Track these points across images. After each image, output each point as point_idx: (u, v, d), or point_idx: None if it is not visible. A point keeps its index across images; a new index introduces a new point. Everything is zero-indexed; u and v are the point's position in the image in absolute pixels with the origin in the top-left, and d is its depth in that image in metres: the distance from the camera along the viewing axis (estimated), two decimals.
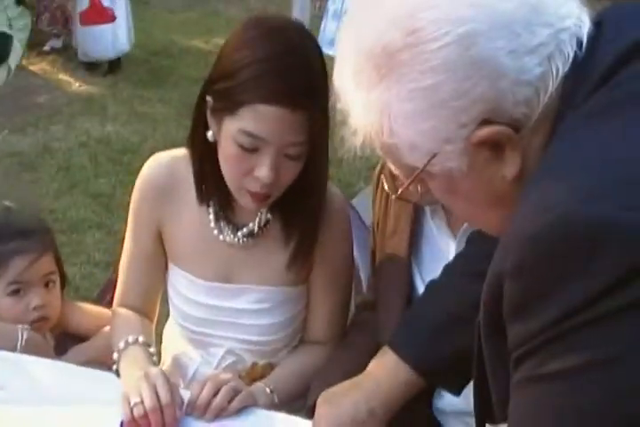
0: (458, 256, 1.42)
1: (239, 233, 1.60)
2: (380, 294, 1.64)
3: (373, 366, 1.37)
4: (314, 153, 1.45)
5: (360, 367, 1.54)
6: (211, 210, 1.60)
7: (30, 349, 1.64)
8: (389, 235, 1.61)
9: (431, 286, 1.42)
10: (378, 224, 1.66)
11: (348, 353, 1.63)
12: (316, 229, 1.58)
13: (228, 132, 1.41)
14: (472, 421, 1.48)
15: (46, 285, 1.71)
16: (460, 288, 1.33)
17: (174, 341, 1.74)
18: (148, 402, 1.36)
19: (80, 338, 1.78)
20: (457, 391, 1.36)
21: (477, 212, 0.97)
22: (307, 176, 1.48)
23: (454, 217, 1.54)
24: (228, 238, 1.60)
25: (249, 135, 1.38)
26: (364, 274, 1.92)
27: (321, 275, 1.65)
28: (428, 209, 1.57)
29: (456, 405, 1.56)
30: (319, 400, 1.36)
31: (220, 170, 1.49)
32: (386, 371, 1.34)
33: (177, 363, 1.73)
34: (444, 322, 1.34)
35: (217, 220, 1.60)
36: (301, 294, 1.67)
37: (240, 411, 1.43)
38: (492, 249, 1.24)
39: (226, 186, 1.50)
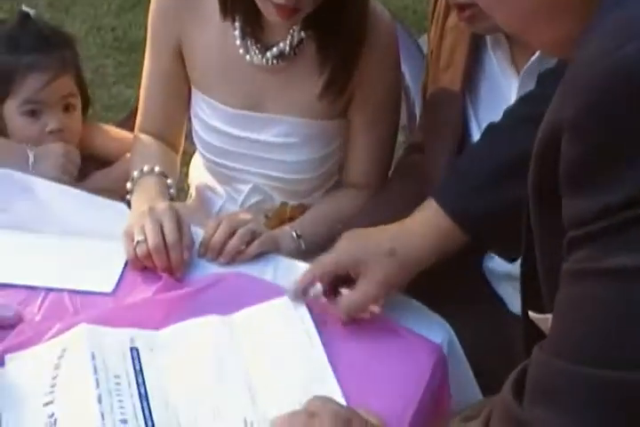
0: (522, 99, 1.15)
1: (268, 53, 1.36)
2: (429, 134, 1.40)
3: (412, 215, 1.15)
4: None
5: (397, 216, 1.34)
6: (236, 25, 1.35)
7: (45, 166, 1.47)
8: (443, 68, 1.35)
9: (488, 130, 1.17)
10: (432, 55, 1.40)
11: (386, 201, 1.42)
12: (357, 49, 1.33)
13: None
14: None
15: (65, 108, 1.53)
16: (520, 135, 1.07)
17: (200, 173, 1.55)
18: (152, 241, 1.17)
19: (104, 164, 1.60)
20: (507, 257, 1.14)
21: (525, 21, 0.72)
22: None
23: (519, 50, 1.27)
24: (255, 59, 1.36)
25: None
26: (420, 109, 1.66)
27: (362, 108, 1.41)
28: (489, 41, 1.29)
29: (507, 267, 1.36)
30: (343, 236, 1.17)
31: None
32: (422, 219, 1.13)
33: (202, 197, 1.55)
34: (495, 171, 1.10)
35: (243, 37, 1.35)
36: (337, 129, 1.43)
37: (259, 257, 1.23)
38: None
39: None
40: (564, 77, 0.65)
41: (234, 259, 1.22)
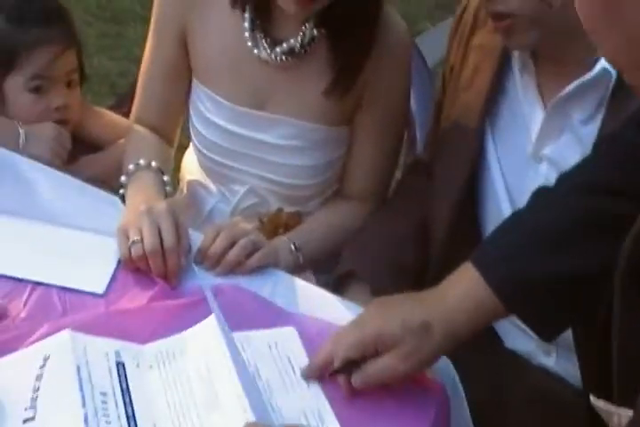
0: (579, 166, 1.05)
1: (277, 49, 1.28)
2: (441, 157, 1.32)
3: (448, 282, 1.03)
4: None
5: (401, 237, 1.30)
6: (246, 16, 1.27)
7: (36, 148, 1.39)
8: (464, 87, 1.27)
9: (539, 195, 1.05)
10: (452, 71, 1.32)
11: (389, 219, 1.34)
12: (368, 50, 1.27)
13: None
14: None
15: (68, 84, 1.45)
16: (573, 204, 0.99)
17: (194, 170, 1.46)
18: (149, 243, 1.09)
19: (95, 148, 1.52)
20: (547, 336, 1.02)
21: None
22: None
23: (548, 79, 1.20)
24: (263, 54, 1.29)
25: None
26: (420, 131, 1.59)
27: (369, 115, 1.34)
28: (515, 65, 1.22)
29: None
30: (370, 303, 1.06)
31: None
32: (460, 291, 1.00)
33: (194, 195, 1.46)
34: (548, 238, 0.99)
35: (252, 29, 1.28)
36: (342, 137, 1.36)
37: (257, 270, 1.16)
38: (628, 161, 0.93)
39: None
40: None
41: (232, 270, 1.15)
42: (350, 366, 0.97)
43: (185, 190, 1.49)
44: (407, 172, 1.49)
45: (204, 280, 1.14)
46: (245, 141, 1.35)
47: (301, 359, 1.01)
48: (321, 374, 0.99)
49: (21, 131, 1.40)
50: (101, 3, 3.57)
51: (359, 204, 1.40)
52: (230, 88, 1.33)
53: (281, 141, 1.34)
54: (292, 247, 1.26)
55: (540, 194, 1.05)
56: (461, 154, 1.27)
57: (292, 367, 1.01)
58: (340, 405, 0.96)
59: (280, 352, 1.02)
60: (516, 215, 1.06)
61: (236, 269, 1.16)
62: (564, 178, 1.04)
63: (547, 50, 1.18)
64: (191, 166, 1.48)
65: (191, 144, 1.46)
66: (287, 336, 1.04)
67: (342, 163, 1.40)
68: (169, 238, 1.11)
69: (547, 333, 1.00)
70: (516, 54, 1.22)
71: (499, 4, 1.11)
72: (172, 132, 1.44)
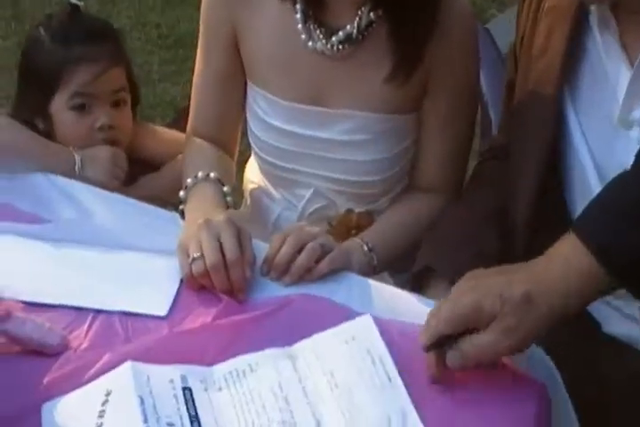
0: None
1: (333, 38, 1.20)
2: (518, 134, 1.21)
3: (547, 253, 0.94)
4: None
5: (480, 226, 1.19)
6: (297, 8, 1.20)
7: (93, 171, 1.34)
8: (537, 55, 1.16)
9: None
10: (522, 43, 1.21)
11: (466, 209, 1.24)
12: (431, 29, 1.17)
13: None
14: (624, 304, 1.13)
15: (116, 104, 1.39)
16: None
17: (256, 178, 1.39)
18: (210, 258, 1.02)
19: (153, 167, 1.46)
20: None
21: None
22: None
23: (632, 34, 1.07)
24: (319, 45, 1.20)
25: None
26: (494, 113, 1.49)
27: (437, 98, 1.24)
28: (594, 22, 1.10)
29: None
30: (462, 278, 0.97)
31: None
32: (560, 259, 0.91)
33: (257, 204, 1.39)
34: None
35: (305, 21, 1.20)
36: (409, 125, 1.27)
37: (329, 275, 1.08)
38: None
39: None
40: None
41: (302, 278, 1.07)
42: (444, 343, 0.89)
43: (248, 201, 1.42)
44: (482, 158, 1.37)
45: (273, 292, 1.06)
46: (307, 141, 1.27)
47: (381, 350, 0.93)
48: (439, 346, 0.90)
49: (77, 156, 1.35)
50: (162, 32, 3.59)
51: (433, 196, 1.30)
52: (286, 86, 1.25)
53: (345, 137, 1.25)
54: (365, 248, 1.17)
55: None
56: (540, 127, 1.16)
57: (372, 359, 0.92)
58: (426, 411, 0.87)
59: (358, 345, 0.94)
60: (622, 177, 0.94)
61: (306, 276, 1.07)
62: None
63: (629, 0, 1.05)
64: (253, 175, 1.41)
65: (252, 152, 1.39)
66: (363, 327, 0.96)
67: (411, 154, 1.30)
68: (231, 250, 1.03)
69: None
70: (593, 10, 1.10)
71: None
72: (232, 141, 1.37)
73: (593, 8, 1.10)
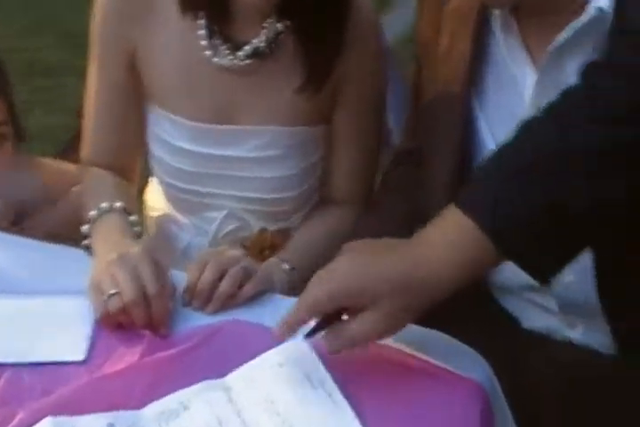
0: (569, 94, 0.94)
1: (240, 52, 1.16)
2: (428, 135, 1.20)
3: (427, 230, 0.93)
4: None
5: (394, 235, 1.18)
6: (200, 22, 1.15)
7: None
8: (442, 57, 1.16)
9: (526, 125, 0.95)
10: (426, 44, 1.21)
11: (378, 220, 1.23)
12: (340, 38, 1.15)
13: None
14: (539, 297, 1.14)
15: None
16: (575, 132, 0.88)
17: (159, 205, 1.32)
18: (129, 292, 0.95)
19: (47, 203, 1.39)
20: (546, 278, 0.92)
21: None
22: None
23: (534, 35, 1.09)
24: (225, 61, 1.16)
25: None
26: (395, 120, 1.47)
27: (347, 110, 1.23)
28: (497, 24, 1.11)
29: (517, 277, 1.21)
30: (344, 248, 0.94)
31: None
32: (441, 235, 0.90)
33: (163, 233, 1.32)
34: (541, 166, 0.89)
35: (210, 36, 1.15)
36: (319, 138, 1.24)
37: (252, 299, 1.03)
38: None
39: None
40: None
41: (226, 305, 1.01)
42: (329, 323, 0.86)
43: (152, 230, 1.35)
44: (389, 167, 1.36)
45: (197, 322, 1.00)
46: (216, 161, 1.22)
47: (319, 371, 0.89)
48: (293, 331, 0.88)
49: None
50: (30, 59, 3.44)
51: (346, 208, 1.28)
52: (191, 105, 1.20)
53: (256, 153, 1.21)
54: (286, 267, 1.13)
55: (529, 123, 0.93)
56: (450, 129, 1.15)
57: (311, 381, 0.88)
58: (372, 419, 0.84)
59: (294, 368, 0.89)
60: (502, 150, 0.94)
61: (230, 302, 1.02)
62: (554, 107, 0.93)
63: (529, 2, 1.06)
64: (156, 202, 1.34)
65: (153, 179, 1.33)
66: (297, 349, 0.91)
67: (321, 169, 1.28)
68: (151, 283, 0.97)
69: (548, 275, 0.91)
70: (496, 13, 1.11)
71: None
72: (131, 167, 1.30)
73: (495, 11, 1.10)
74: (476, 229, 0.87)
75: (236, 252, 1.09)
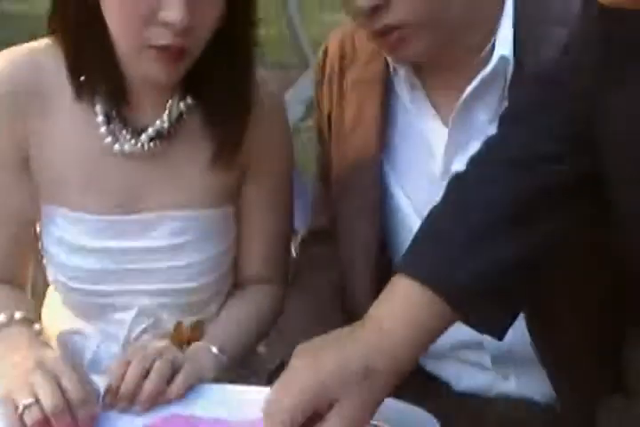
0: (491, 144, 0.97)
1: (143, 136, 1.11)
2: (343, 204, 1.20)
3: (376, 307, 0.90)
4: None
5: (325, 313, 1.18)
6: (98, 109, 1.11)
7: None
8: (350, 127, 1.18)
9: (456, 182, 0.95)
10: (329, 120, 1.23)
11: (304, 300, 1.23)
12: (247, 110, 1.14)
13: None
14: (473, 354, 1.17)
15: None
16: (510, 181, 0.90)
17: (58, 316, 1.22)
18: (51, 401, 0.87)
19: None
20: (500, 332, 0.91)
21: None
22: (228, 37, 1.07)
23: (440, 95, 1.13)
24: (127, 146, 1.11)
25: None
26: (302, 201, 1.49)
27: (256, 188, 1.21)
28: (403, 88, 1.15)
29: (449, 337, 1.19)
30: (294, 353, 0.90)
31: (105, 40, 1.05)
32: (394, 312, 0.88)
33: (65, 346, 1.20)
34: (483, 225, 0.89)
35: (108, 122, 1.11)
36: (230, 219, 1.21)
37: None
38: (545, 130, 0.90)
39: (115, 67, 1.06)
40: None
41: (155, 403, 0.94)
42: None
43: (53, 343, 1.22)
44: (301, 249, 1.36)
45: (125, 424, 0.93)
46: (125, 255, 1.15)
47: None
48: None
49: None
50: None
51: (266, 287, 1.25)
52: (93, 198, 1.14)
53: (169, 241, 1.16)
54: (215, 350, 1.08)
55: (459, 180, 0.94)
56: (364, 195, 1.16)
57: None
58: None
59: None
60: (441, 208, 0.94)
61: (159, 399, 0.95)
62: (481, 158, 0.94)
63: (433, 58, 1.10)
64: (53, 314, 1.24)
65: (50, 286, 1.23)
66: None
67: (234, 251, 1.24)
68: (75, 389, 0.90)
69: (502, 330, 0.90)
70: (400, 75, 1.14)
71: (384, 19, 1.03)
72: (23, 275, 1.22)
73: (401, 72, 1.14)
74: (430, 294, 0.86)
75: (161, 343, 1.03)
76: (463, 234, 0.88)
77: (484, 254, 0.86)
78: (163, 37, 1.01)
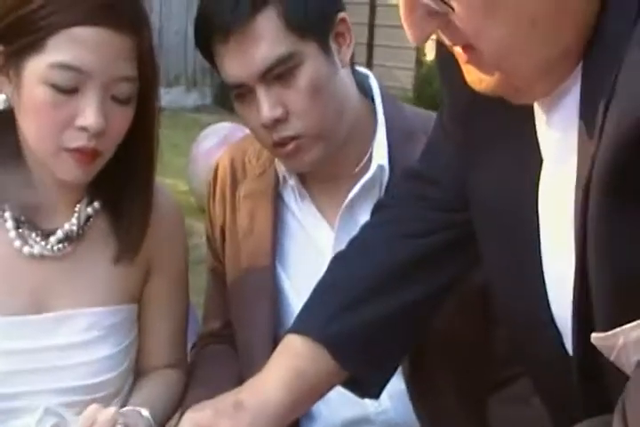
0: (367, 225, 1.13)
1: (52, 238, 1.17)
2: (239, 308, 1.30)
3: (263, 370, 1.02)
4: (143, 102, 1.14)
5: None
6: (7, 215, 1.16)
7: None
8: (243, 237, 1.29)
9: (342, 257, 1.11)
10: (223, 230, 1.33)
11: (207, 389, 1.23)
12: (148, 216, 1.22)
13: (35, 75, 1.06)
14: None
15: None
16: (393, 249, 1.06)
17: None
18: None
19: None
20: (376, 392, 1.05)
21: (519, 38, 0.73)
22: (133, 143, 1.16)
23: (326, 201, 1.27)
24: (36, 249, 1.16)
25: (64, 68, 1.05)
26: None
27: (156, 285, 1.28)
28: (289, 196, 1.29)
29: (338, 414, 1.26)
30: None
31: (17, 148, 1.12)
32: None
33: None
34: (362, 290, 1.04)
35: (17, 227, 1.15)
36: (134, 313, 1.26)
37: None
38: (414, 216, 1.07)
39: (27, 173, 1.14)
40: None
41: None
42: None
43: None
44: (199, 346, 1.42)
45: None
46: (32, 354, 1.14)
47: None
48: None
49: None
50: None
51: (169, 370, 1.29)
52: (3, 299, 1.15)
53: (78, 338, 1.17)
54: (145, 413, 1.09)
55: (333, 261, 1.10)
56: (260, 298, 1.26)
57: None
58: None
59: None
60: (327, 277, 1.08)
61: None
62: (356, 239, 1.10)
63: (320, 168, 1.24)
64: None
65: None
66: None
67: (138, 343, 1.27)
68: None
69: (378, 389, 1.03)
70: (289, 186, 1.28)
71: (283, 131, 1.17)
72: None
73: (291, 182, 1.27)
74: (306, 340, 0.99)
75: (110, 410, 1.04)
76: (336, 301, 1.03)
77: (353, 317, 1.01)
78: (78, 140, 1.08)
